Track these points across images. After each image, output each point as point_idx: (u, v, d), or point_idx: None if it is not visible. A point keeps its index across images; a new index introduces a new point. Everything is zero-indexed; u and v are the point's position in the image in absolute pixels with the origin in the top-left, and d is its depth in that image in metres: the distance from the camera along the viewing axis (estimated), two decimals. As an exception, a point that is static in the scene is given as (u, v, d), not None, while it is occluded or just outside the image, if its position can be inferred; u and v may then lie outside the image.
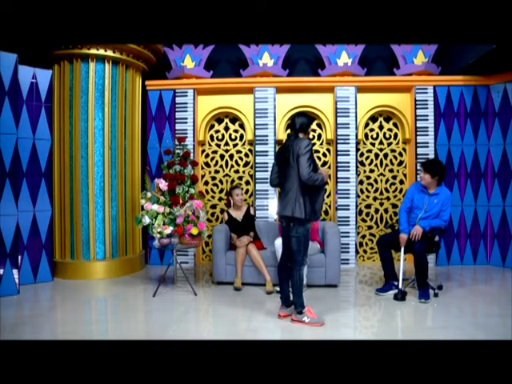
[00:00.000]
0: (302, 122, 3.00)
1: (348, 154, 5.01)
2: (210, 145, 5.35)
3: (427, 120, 4.97)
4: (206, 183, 5.36)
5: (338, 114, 5.02)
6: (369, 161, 5.26)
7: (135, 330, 2.93)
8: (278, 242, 3.78)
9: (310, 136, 5.27)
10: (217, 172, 5.35)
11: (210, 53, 5.12)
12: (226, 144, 5.33)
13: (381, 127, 5.27)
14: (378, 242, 3.91)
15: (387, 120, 5.27)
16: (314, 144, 5.25)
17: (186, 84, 5.08)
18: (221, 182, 5.34)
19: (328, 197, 5.24)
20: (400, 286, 3.60)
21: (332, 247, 3.95)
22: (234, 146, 5.31)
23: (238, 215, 4.38)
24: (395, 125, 5.27)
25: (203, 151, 5.36)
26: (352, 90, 5.00)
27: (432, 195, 3.68)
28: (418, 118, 4.99)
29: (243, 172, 5.30)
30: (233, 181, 5.30)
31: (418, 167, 4.93)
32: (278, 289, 3.73)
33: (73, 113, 4.46)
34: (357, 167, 5.05)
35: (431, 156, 4.93)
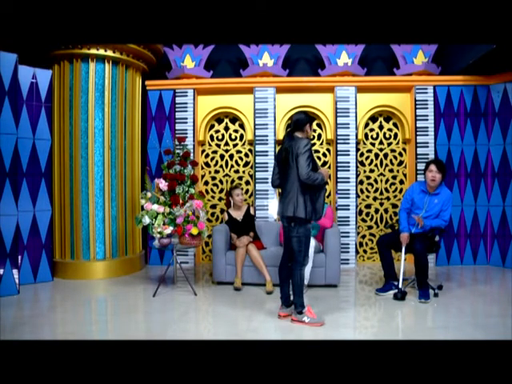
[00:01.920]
0: (297, 118, 3.00)
1: (348, 154, 5.01)
2: (210, 145, 5.35)
3: (427, 120, 4.97)
4: (206, 183, 5.36)
5: (338, 114, 5.02)
6: (369, 161, 5.26)
7: (135, 330, 2.93)
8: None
9: (311, 136, 5.26)
10: (217, 172, 5.34)
11: (210, 53, 5.12)
12: (226, 144, 5.33)
13: (381, 127, 5.27)
14: (378, 241, 3.91)
15: (387, 120, 5.27)
16: (314, 144, 5.25)
17: (186, 84, 5.08)
18: (221, 181, 5.33)
19: (328, 197, 5.24)
20: (400, 285, 3.60)
21: (332, 247, 3.95)
22: (234, 146, 5.31)
23: (238, 215, 4.38)
24: (395, 125, 5.27)
25: (203, 151, 5.37)
26: (352, 90, 5.00)
27: (433, 195, 3.68)
28: (417, 117, 4.99)
29: (243, 172, 5.30)
30: (233, 181, 5.30)
31: (419, 167, 4.93)
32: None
33: (73, 113, 4.46)
34: (357, 167, 5.05)
35: (431, 156, 4.93)
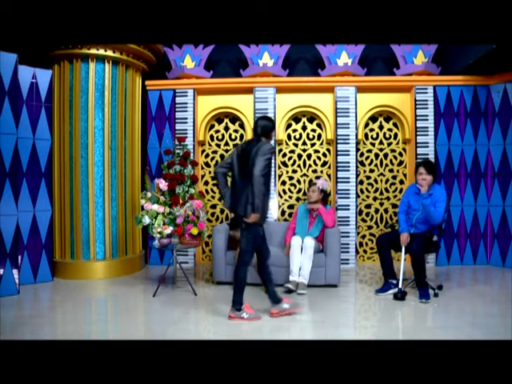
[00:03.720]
0: (264, 125, 3.05)
1: (348, 154, 5.01)
2: (210, 145, 5.35)
3: (427, 120, 4.97)
4: (206, 183, 5.35)
5: (338, 114, 5.02)
6: (369, 161, 5.26)
7: (135, 330, 2.93)
8: (294, 241, 3.91)
9: (311, 136, 5.28)
10: (217, 172, 5.34)
11: (210, 53, 5.12)
12: (226, 144, 5.33)
13: (381, 127, 5.27)
14: (377, 241, 3.92)
15: (387, 120, 5.27)
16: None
17: (186, 84, 5.08)
18: (221, 181, 5.33)
19: (328, 196, 5.23)
20: (400, 285, 3.60)
21: (332, 247, 3.95)
22: (234, 146, 5.31)
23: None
24: (395, 125, 5.27)
25: (203, 151, 5.36)
26: (352, 89, 5.00)
27: (427, 195, 3.70)
28: (417, 117, 4.99)
29: (243, 172, 5.30)
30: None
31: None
32: (289, 286, 3.75)
33: (73, 113, 4.47)
34: (357, 167, 5.05)
35: (431, 156, 4.93)
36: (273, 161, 3.05)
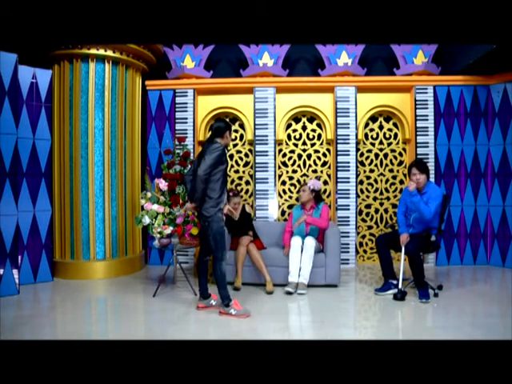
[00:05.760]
0: (217, 126, 3.20)
1: (348, 154, 5.01)
2: (209, 145, 5.35)
3: (427, 120, 4.97)
4: (206, 183, 5.35)
5: (338, 114, 5.02)
6: (369, 161, 5.26)
7: (135, 330, 2.93)
8: (294, 241, 3.90)
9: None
10: (217, 172, 5.33)
11: (210, 53, 5.12)
12: (226, 144, 5.32)
13: (381, 127, 5.27)
14: (376, 240, 3.92)
15: (387, 120, 5.27)
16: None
17: (186, 84, 5.08)
18: (221, 181, 5.32)
19: (328, 197, 5.24)
20: (400, 285, 3.61)
21: (332, 247, 3.95)
22: (234, 145, 5.31)
23: (235, 215, 4.31)
24: (395, 125, 5.27)
25: (203, 151, 5.36)
26: (352, 90, 5.00)
27: (422, 194, 3.71)
28: (417, 118, 4.99)
29: (243, 172, 5.30)
30: (232, 181, 5.30)
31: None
32: (288, 289, 3.73)
33: (73, 113, 4.47)
34: (357, 167, 5.05)
35: (431, 156, 4.93)
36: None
